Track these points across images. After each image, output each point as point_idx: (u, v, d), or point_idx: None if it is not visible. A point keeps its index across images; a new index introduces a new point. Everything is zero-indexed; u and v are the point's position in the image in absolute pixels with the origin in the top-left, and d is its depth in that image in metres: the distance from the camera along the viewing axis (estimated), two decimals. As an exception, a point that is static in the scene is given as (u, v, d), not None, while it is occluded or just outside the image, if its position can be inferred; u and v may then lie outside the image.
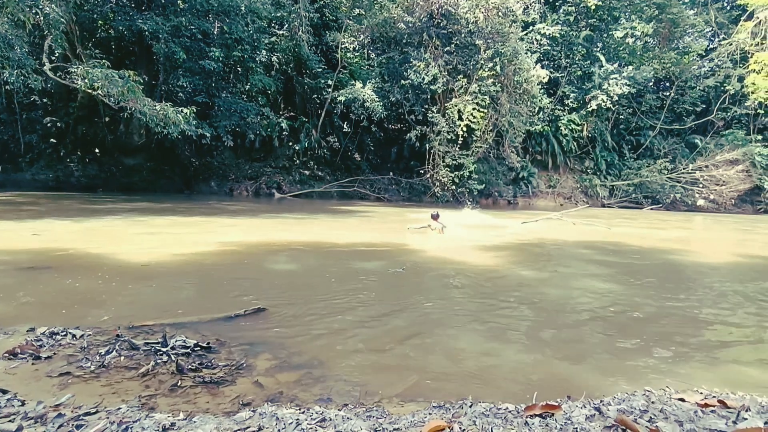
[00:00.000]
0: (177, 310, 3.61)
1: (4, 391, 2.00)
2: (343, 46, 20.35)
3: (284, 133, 20.32)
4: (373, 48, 21.42)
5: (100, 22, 17.00)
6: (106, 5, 15.66)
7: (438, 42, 18.59)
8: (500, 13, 18.27)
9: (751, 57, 22.63)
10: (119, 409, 1.88)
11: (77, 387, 2.17)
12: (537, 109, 23.14)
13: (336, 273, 5.33)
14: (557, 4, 25.09)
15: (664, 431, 1.62)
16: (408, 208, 16.89)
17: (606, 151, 26.79)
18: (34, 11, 11.82)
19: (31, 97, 18.57)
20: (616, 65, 24.33)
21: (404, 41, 19.27)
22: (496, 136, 20.91)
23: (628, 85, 23.52)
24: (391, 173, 22.59)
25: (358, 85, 19.32)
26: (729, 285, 5.46)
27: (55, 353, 2.53)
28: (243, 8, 16.59)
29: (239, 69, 19.17)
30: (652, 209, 24.24)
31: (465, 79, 18.66)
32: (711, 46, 28.67)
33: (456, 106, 18.52)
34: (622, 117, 27.30)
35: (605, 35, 25.87)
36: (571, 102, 25.27)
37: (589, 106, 24.28)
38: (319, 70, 20.49)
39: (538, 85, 20.54)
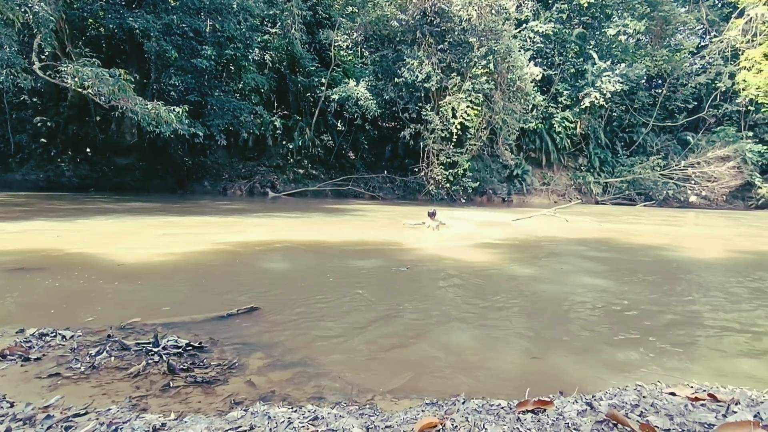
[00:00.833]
0: (169, 309, 3.59)
1: (-7, 394, 1.98)
2: (336, 44, 20.29)
3: (278, 131, 20.24)
4: (367, 46, 21.38)
5: (90, 20, 16.81)
6: (96, 3, 15.48)
7: (431, 40, 18.58)
8: (493, 11, 18.28)
9: (742, 54, 22.84)
10: (109, 410, 1.87)
11: (67, 388, 2.15)
12: (530, 106, 23.20)
13: (330, 271, 5.32)
14: (550, 1, 25.17)
15: (654, 425, 1.63)
16: (403, 207, 16.88)
17: (599, 148, 26.94)
18: (23, 9, 11.66)
19: (21, 97, 18.36)
20: (608, 63, 24.44)
21: (398, 39, 19.25)
22: (490, 133, 20.95)
23: (621, 83, 23.63)
24: (385, 171, 22.58)
25: (352, 83, 19.28)
26: (720, 280, 5.51)
27: (44, 354, 2.51)
28: (235, 6, 16.49)
29: (232, 67, 19.06)
30: (645, 206, 24.42)
31: (459, 77, 18.66)
32: (702, 44, 28.89)
33: (450, 103, 18.53)
34: (615, 114, 27.45)
35: (598, 33, 25.98)
36: (565, 99, 25.37)
37: (582, 103, 24.38)
38: (313, 68, 20.42)
39: (531, 82, 20.59)
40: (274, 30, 19.95)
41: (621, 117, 27.77)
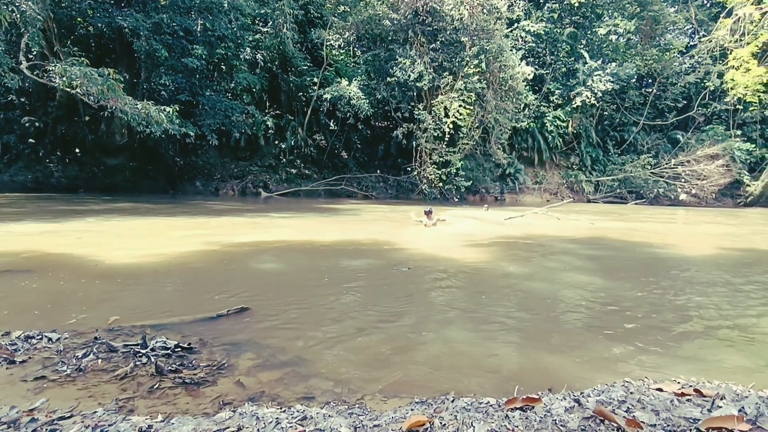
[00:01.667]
0: (158, 311, 3.56)
1: (-24, 397, 1.95)
2: (328, 43, 20.23)
3: (270, 131, 20.16)
4: (359, 45, 21.36)
5: (78, 19, 16.63)
6: (84, 2, 15.30)
7: (423, 39, 18.59)
8: (485, 11, 18.33)
9: (730, 53, 23.12)
10: (95, 412, 1.84)
11: (52, 391, 2.12)
12: (522, 105, 23.30)
13: (322, 271, 5.30)
14: (541, 1, 25.29)
15: (641, 420, 1.64)
16: (396, 206, 16.89)
17: (591, 147, 27.12)
18: (10, 9, 11.51)
19: (9, 97, 18.10)
20: (599, 62, 24.62)
21: (390, 38, 19.24)
22: (483, 132, 21.02)
23: (612, 82, 23.81)
24: (378, 171, 22.57)
25: (344, 82, 19.24)
26: (708, 277, 5.57)
27: (30, 357, 2.47)
28: (226, 5, 16.38)
29: (223, 67, 18.95)
30: (636, 204, 24.64)
31: (451, 76, 18.70)
32: (691, 43, 29.20)
33: (442, 103, 18.55)
34: (606, 113, 27.66)
35: (589, 32, 26.15)
36: (556, 98, 25.52)
37: (573, 102, 24.53)
38: (305, 67, 20.35)
39: (523, 81, 20.68)
40: (265, 29, 19.84)
41: (612, 116, 27.98)
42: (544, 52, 24.92)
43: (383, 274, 5.31)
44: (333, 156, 22.80)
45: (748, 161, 26.08)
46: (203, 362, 2.57)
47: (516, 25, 23.22)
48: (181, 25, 15.95)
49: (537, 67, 24.10)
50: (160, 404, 2.06)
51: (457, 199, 20.61)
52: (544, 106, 25.43)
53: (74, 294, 3.94)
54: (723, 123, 27.48)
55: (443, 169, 19.64)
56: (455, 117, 18.54)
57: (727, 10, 23.41)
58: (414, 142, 19.92)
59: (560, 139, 25.97)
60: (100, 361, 2.47)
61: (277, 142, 20.92)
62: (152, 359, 2.49)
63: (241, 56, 19.20)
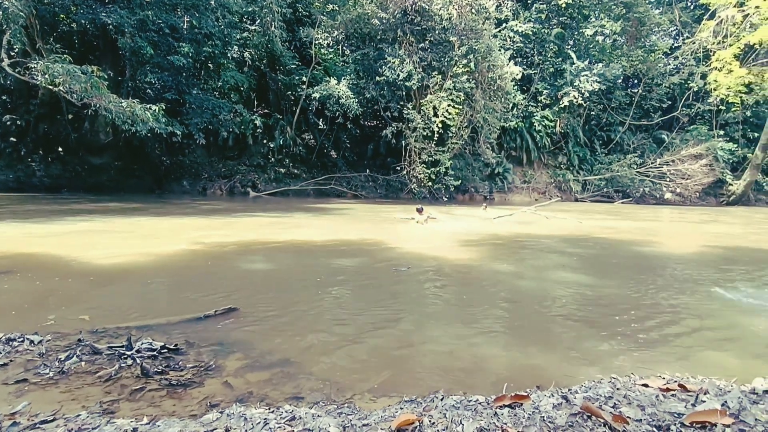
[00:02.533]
0: (144, 312, 3.51)
1: (-46, 402, 1.90)
2: (317, 42, 20.15)
3: (258, 130, 20.00)
4: (348, 44, 21.31)
5: (61, 15, 16.32)
6: (67, -2, 15.03)
7: (412, 38, 18.61)
8: (473, 10, 18.41)
9: (713, 55, 23.52)
10: (78, 416, 1.81)
11: (34, 394, 2.07)
12: (511, 105, 23.48)
13: (312, 271, 5.28)
14: (529, 1, 25.49)
15: (627, 416, 1.66)
16: (385, 205, 16.90)
17: (578, 146, 27.42)
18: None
19: (-11, 94, 17.71)
20: (586, 62, 24.89)
21: (378, 37, 19.22)
22: (472, 132, 21.11)
23: (599, 82, 24.10)
24: (367, 170, 22.55)
25: (333, 81, 19.16)
26: (692, 274, 5.67)
27: (11, 360, 2.42)
28: (213, 2, 16.23)
29: (210, 65, 18.76)
30: (623, 203, 24.97)
31: (440, 76, 18.75)
32: (676, 45, 29.66)
33: (431, 102, 18.59)
34: (593, 113, 27.98)
35: (576, 33, 26.44)
36: (544, 98, 25.74)
37: (561, 102, 24.77)
38: (293, 66, 20.24)
39: (511, 81, 20.81)
40: (253, 27, 19.69)
41: (599, 116, 28.32)
42: (532, 52, 25.12)
43: (373, 273, 5.30)
44: (322, 155, 22.71)
45: (731, 161, 26.63)
46: (190, 363, 2.54)
47: (504, 25, 23.35)
48: (167, 22, 15.75)
49: (525, 67, 24.27)
50: (146, 406, 2.03)
51: (446, 199, 20.69)
52: (532, 106, 25.64)
53: (57, 295, 3.86)
54: (706, 123, 28.00)
55: (432, 169, 19.69)
56: (444, 116, 18.59)
57: (710, 12, 23.83)
58: (403, 142, 19.93)
59: (548, 139, 26.20)
60: (83, 363, 2.42)
61: (265, 142, 20.77)
62: (137, 361, 2.46)
63: (229, 54, 19.03)
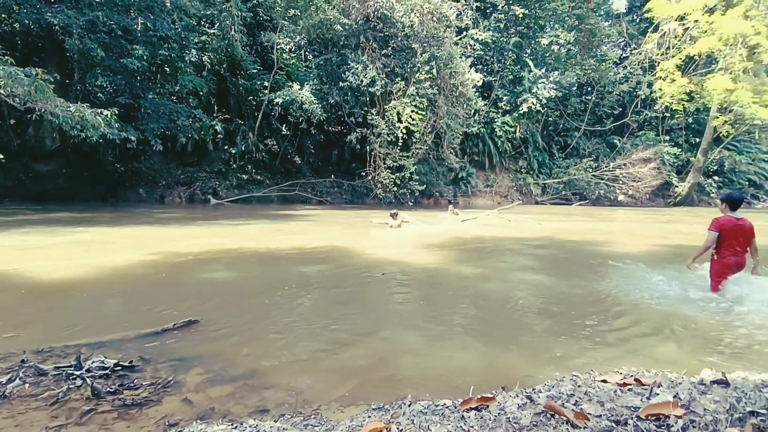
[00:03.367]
0: (96, 328, 3.29)
1: None
2: (278, 46, 19.88)
3: (219, 136, 19.44)
4: (310, 49, 21.15)
5: (3, 15, 15.31)
6: (9, -4, 14.11)
7: (375, 45, 18.70)
8: (435, 18, 18.72)
9: (658, 65, 24.91)
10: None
11: (-37, 424, 1.87)
12: (473, 111, 24.00)
13: (277, 279, 5.13)
14: (488, 11, 26.22)
15: (587, 412, 1.69)
16: (351, 211, 16.81)
17: (537, 151, 28.35)
18: None
19: None
20: (543, 70, 25.85)
21: (341, 43, 19.20)
22: (435, 137, 21.39)
23: (555, 89, 25.08)
24: (332, 176, 22.38)
25: (296, 86, 18.94)
26: (644, 271, 5.93)
27: (-65, 387, 2.18)
28: (168, 4, 15.68)
29: (167, 69, 18.09)
30: (580, 205, 25.98)
31: (403, 82, 18.91)
32: (624, 55, 31.34)
33: (395, 108, 18.71)
34: (551, 119, 29.05)
35: (533, 42, 27.44)
36: (504, 105, 26.48)
37: (520, 108, 25.56)
38: (255, 71, 19.85)
39: (472, 88, 21.27)
40: (212, 31, 19.17)
41: (556, 122, 29.42)
42: (491, 60, 25.82)
43: (341, 279, 5.22)
44: (286, 161, 22.36)
45: (676, 164, 28.32)
46: (146, 381, 2.39)
47: (465, 33, 23.89)
48: (119, 23, 15.06)
49: (485, 74, 24.90)
50: (97, 430, 1.88)
51: (411, 203, 20.82)
52: (493, 112, 26.31)
53: (-7, 313, 3.55)
54: (654, 129, 29.68)
55: (397, 174, 19.79)
56: (408, 122, 18.75)
57: (654, 25, 25.24)
58: (368, 147, 19.94)
59: (509, 144, 26.95)
60: (27, 386, 2.23)
61: (226, 147, 20.21)
62: (88, 381, 2.28)
63: (187, 58, 18.43)
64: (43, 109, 11.31)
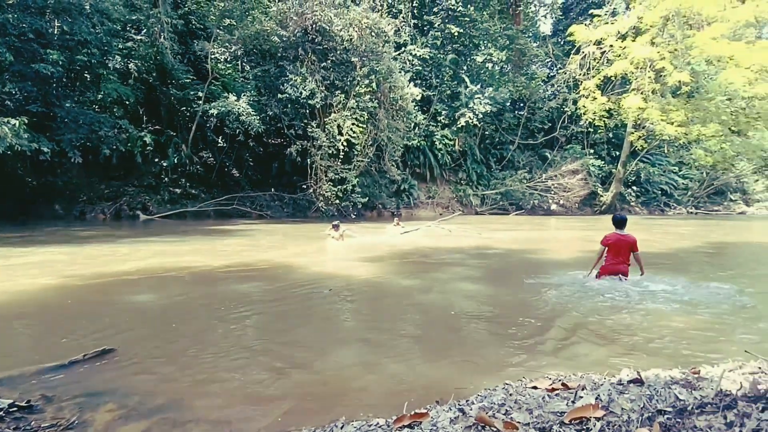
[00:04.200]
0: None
1: None
2: (213, 56, 19.20)
3: (149, 148, 18.28)
4: (247, 60, 20.62)
5: None
6: None
7: (314, 57, 18.60)
8: (373, 33, 18.98)
9: (581, 84, 26.92)
10: None
11: None
12: (413, 125, 24.50)
13: (209, 300, 4.79)
14: (425, 28, 27.07)
15: (517, 421, 1.68)
16: (293, 225, 16.39)
17: (476, 163, 29.42)
18: None
19: None
20: (479, 86, 27.02)
21: (279, 54, 18.90)
22: (377, 150, 21.54)
23: (490, 105, 26.27)
24: (272, 189, 21.79)
25: (232, 97, 18.31)
26: (574, 277, 6.18)
27: None
28: (88, 7, 14.62)
29: (87, 75, 16.80)
30: (517, 214, 27.19)
31: (343, 95, 18.92)
32: (551, 74, 33.55)
33: (335, 121, 18.64)
34: (488, 133, 30.33)
35: (468, 59, 28.68)
36: (443, 119, 27.29)
37: (458, 122, 26.47)
38: (187, 80, 18.98)
39: (412, 102, 21.73)
40: (139, 37, 18.12)
41: (492, 135, 30.77)
42: (430, 75, 26.59)
43: (279, 297, 4.96)
44: (223, 174, 21.48)
45: (600, 175, 30.57)
46: (46, 422, 2.09)
47: (403, 49, 24.46)
48: (31, 26, 13.82)
49: (424, 89, 25.59)
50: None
51: (354, 216, 20.71)
52: (432, 126, 27.01)
53: None
54: (580, 143, 31.90)
55: (339, 186, 19.64)
56: (349, 135, 18.74)
57: (576, 47, 27.29)
58: (309, 160, 19.65)
59: (449, 157, 27.75)
60: None
61: (157, 160, 19.06)
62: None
63: (110, 65, 17.24)
64: (-68, 117, 10.04)
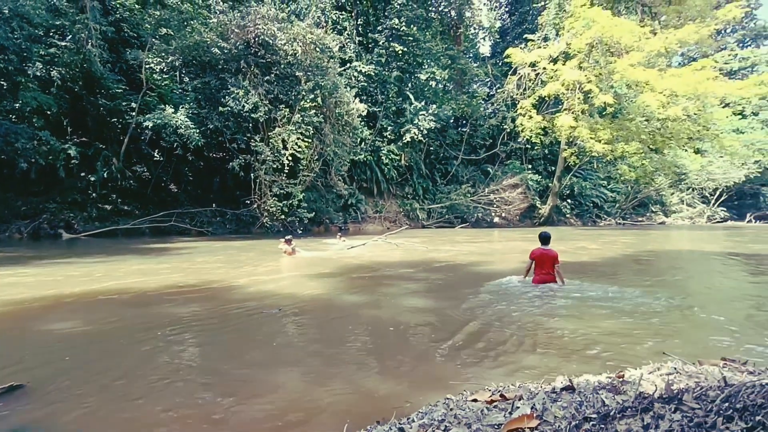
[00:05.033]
0: None
1: None
2: (148, 66, 18.28)
3: (73, 161, 16.94)
4: (186, 71, 19.82)
5: None
6: None
7: (257, 70, 18.25)
8: (318, 49, 18.97)
9: (518, 103, 28.50)
10: None
11: None
12: (359, 140, 24.63)
13: (141, 326, 4.38)
14: (370, 46, 27.52)
15: (455, 436, 1.63)
16: (236, 241, 15.73)
17: (421, 178, 30.02)
18: None
19: None
20: (423, 103, 27.78)
21: (220, 67, 18.34)
22: (323, 165, 21.38)
23: (434, 121, 27.03)
24: (214, 205, 20.88)
25: (169, 109, 17.45)
26: (517, 287, 6.36)
27: None
28: (6, 11, 13.46)
29: (3, 83, 15.37)
30: (462, 227, 27.93)
31: (287, 109, 18.66)
32: (491, 93, 35.23)
33: (280, 135, 18.31)
34: (432, 148, 31.13)
35: (413, 77, 29.44)
36: (389, 134, 27.70)
37: (404, 138, 26.97)
38: (119, 90, 17.89)
39: (358, 117, 21.83)
40: (63, 43, 16.88)
41: (437, 151, 31.62)
42: (375, 91, 26.97)
43: (221, 320, 4.65)
44: (159, 189, 20.32)
45: (538, 189, 32.28)
46: None
47: (348, 65, 24.65)
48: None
49: (370, 104, 25.87)
50: None
51: (300, 231, 20.30)
52: (379, 141, 27.31)
53: None
54: (519, 158, 33.59)
55: (285, 201, 19.22)
56: (294, 149, 18.45)
57: (513, 69, 28.91)
58: (252, 174, 19.08)
59: (395, 171, 28.12)
60: None
61: (83, 174, 17.67)
62: None
63: (30, 72, 15.89)
64: None
